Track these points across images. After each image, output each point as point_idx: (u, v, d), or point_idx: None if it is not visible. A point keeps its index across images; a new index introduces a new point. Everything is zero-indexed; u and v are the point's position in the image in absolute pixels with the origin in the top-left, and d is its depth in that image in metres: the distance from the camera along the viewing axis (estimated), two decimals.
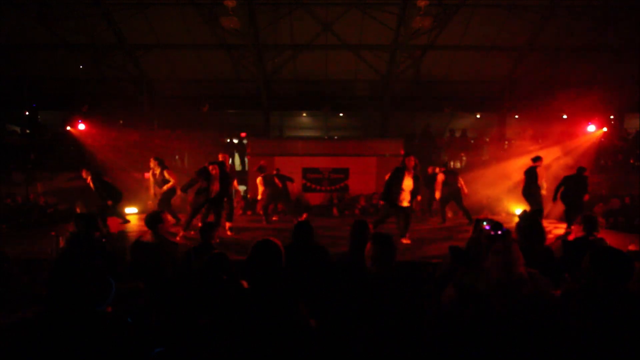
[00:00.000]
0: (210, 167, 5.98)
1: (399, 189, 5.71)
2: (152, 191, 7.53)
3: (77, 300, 1.57)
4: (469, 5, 10.24)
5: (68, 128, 11.20)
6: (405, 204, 5.80)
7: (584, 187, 6.98)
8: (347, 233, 3.24)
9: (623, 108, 13.08)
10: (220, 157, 6.52)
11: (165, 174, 7.21)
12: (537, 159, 7.28)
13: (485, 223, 2.92)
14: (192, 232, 5.99)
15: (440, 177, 7.74)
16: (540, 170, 7.25)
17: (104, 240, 3.93)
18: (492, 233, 2.39)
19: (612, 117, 13.10)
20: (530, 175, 7.21)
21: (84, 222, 3.71)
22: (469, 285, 2.27)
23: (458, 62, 12.27)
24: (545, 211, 7.59)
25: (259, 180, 7.75)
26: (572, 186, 6.94)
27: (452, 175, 7.79)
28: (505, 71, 12.54)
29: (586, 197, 7.05)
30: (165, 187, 7.20)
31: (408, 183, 5.79)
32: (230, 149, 13.08)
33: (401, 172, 5.80)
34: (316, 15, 10.93)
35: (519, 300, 2.04)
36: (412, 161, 5.88)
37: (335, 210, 10.21)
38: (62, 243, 4.16)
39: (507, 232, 2.68)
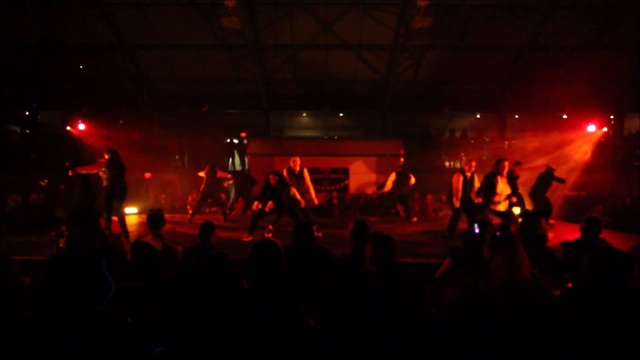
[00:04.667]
0: (271, 177, 6.03)
1: (493, 194, 5.73)
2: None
3: (74, 300, 1.56)
4: (469, 5, 10.25)
5: (68, 128, 11.20)
6: (501, 208, 5.81)
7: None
8: (347, 233, 3.24)
9: (623, 108, 13.09)
10: (291, 163, 6.56)
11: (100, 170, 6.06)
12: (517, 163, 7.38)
13: (475, 225, 2.91)
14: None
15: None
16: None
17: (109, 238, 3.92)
18: (498, 234, 2.39)
19: (612, 117, 13.11)
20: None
21: (85, 217, 3.70)
22: (469, 286, 2.27)
23: (458, 62, 12.28)
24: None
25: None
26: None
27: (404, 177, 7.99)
28: (505, 71, 12.54)
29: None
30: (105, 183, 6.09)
31: (502, 187, 5.79)
32: (230, 149, 13.11)
33: (494, 176, 5.78)
34: (316, 15, 10.93)
35: (520, 300, 2.05)
36: (506, 166, 5.84)
37: (335, 210, 10.22)
38: (62, 243, 4.15)
39: (513, 233, 2.68)
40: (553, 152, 10.84)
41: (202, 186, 8.02)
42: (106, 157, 6.19)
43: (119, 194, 6.21)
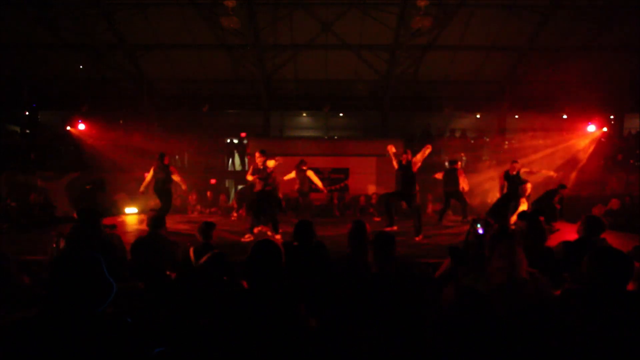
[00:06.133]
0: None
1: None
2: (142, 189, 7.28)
3: (76, 301, 1.56)
4: (469, 5, 10.25)
5: (68, 128, 11.20)
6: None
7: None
8: (347, 233, 3.23)
9: (623, 108, 13.08)
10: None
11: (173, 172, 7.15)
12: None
13: (478, 225, 2.90)
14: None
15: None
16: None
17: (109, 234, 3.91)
18: (496, 234, 2.39)
19: (612, 117, 13.11)
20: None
21: (87, 216, 3.70)
22: (469, 286, 2.26)
23: (458, 62, 12.27)
24: None
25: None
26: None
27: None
28: (505, 71, 12.54)
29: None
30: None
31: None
32: (230, 149, 13.08)
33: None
34: (316, 15, 10.93)
35: (519, 301, 2.04)
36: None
37: (335, 210, 10.22)
38: (62, 243, 4.14)
39: (512, 234, 2.68)
40: (553, 152, 10.85)
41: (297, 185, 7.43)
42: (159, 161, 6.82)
43: None
